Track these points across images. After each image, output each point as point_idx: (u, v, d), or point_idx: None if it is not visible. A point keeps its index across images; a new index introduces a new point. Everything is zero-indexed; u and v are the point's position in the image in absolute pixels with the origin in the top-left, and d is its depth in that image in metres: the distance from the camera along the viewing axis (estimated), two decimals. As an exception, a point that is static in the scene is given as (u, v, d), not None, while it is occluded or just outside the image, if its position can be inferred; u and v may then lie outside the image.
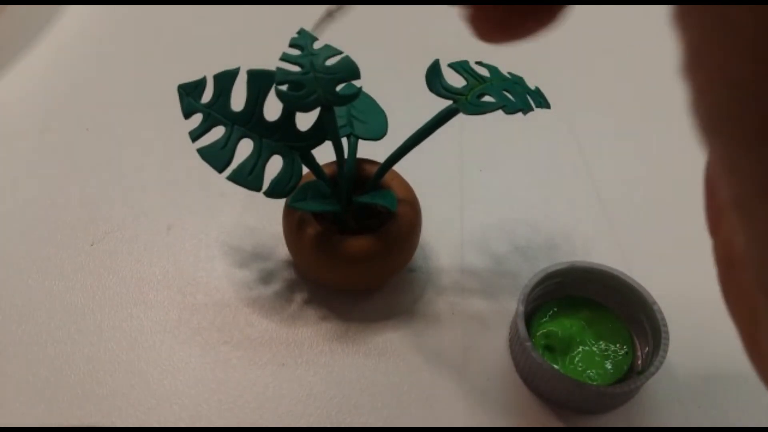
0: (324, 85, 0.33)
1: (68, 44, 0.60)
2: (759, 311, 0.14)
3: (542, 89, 0.37)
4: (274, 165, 0.35)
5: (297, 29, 0.36)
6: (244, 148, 0.35)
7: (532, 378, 0.36)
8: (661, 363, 0.34)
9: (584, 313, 0.38)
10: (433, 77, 0.35)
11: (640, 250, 0.44)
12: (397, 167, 0.38)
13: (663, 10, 0.12)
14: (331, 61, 0.34)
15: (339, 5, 0.21)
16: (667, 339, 0.35)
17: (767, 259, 0.12)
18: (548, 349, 0.37)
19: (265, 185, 0.35)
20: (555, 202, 0.47)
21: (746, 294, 0.15)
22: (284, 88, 0.33)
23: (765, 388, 0.14)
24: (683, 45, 0.11)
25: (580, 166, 0.50)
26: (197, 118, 0.35)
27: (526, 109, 0.35)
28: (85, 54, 0.60)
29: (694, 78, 0.11)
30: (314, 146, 0.36)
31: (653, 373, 0.34)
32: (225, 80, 0.35)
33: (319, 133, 0.35)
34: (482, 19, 0.16)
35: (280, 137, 0.35)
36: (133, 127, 0.52)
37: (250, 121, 0.35)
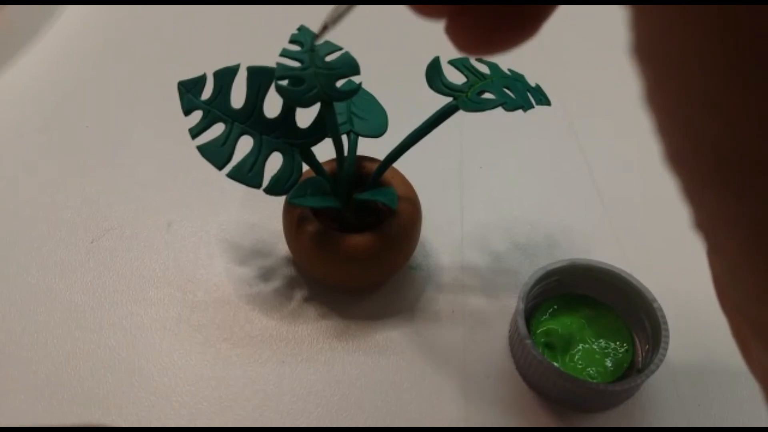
0: (324, 81, 0.33)
1: (68, 42, 0.60)
2: (746, 335, 0.14)
3: (543, 86, 0.37)
4: (274, 162, 0.35)
5: (297, 26, 0.36)
6: (244, 145, 0.35)
7: (532, 376, 0.36)
8: (661, 361, 0.34)
9: (584, 311, 0.38)
10: (434, 74, 0.35)
11: (641, 248, 0.44)
12: (398, 164, 0.38)
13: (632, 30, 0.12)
14: (331, 57, 0.34)
15: (340, 14, 0.21)
16: (667, 337, 0.35)
17: (739, 285, 0.12)
18: (548, 346, 0.37)
19: (265, 182, 0.35)
20: (555, 200, 0.47)
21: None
22: (284, 83, 0.33)
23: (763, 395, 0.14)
24: (642, 79, 0.11)
25: (581, 163, 0.50)
26: (197, 115, 0.35)
27: (526, 106, 0.35)
28: (85, 52, 0.60)
29: (653, 112, 0.11)
30: (314, 143, 0.36)
31: (653, 371, 0.34)
32: (225, 77, 0.35)
33: (319, 129, 0.35)
34: (458, 31, 0.16)
35: (280, 134, 0.35)
36: (132, 124, 0.52)
37: (250, 118, 0.35)
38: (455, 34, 0.16)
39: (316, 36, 0.26)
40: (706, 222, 0.12)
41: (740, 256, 0.11)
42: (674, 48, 0.10)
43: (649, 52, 0.10)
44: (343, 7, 0.21)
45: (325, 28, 0.23)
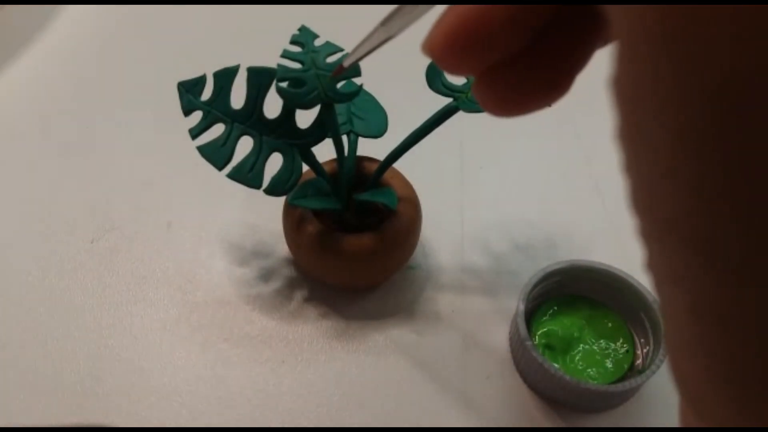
0: (325, 83, 0.33)
1: (68, 43, 0.60)
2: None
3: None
4: (274, 162, 0.35)
5: (297, 26, 0.36)
6: (244, 145, 0.35)
7: (533, 377, 0.36)
8: (662, 362, 0.34)
9: (585, 311, 0.38)
10: (434, 75, 0.35)
11: (641, 249, 0.44)
12: (398, 165, 0.38)
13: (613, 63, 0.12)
14: (332, 59, 0.34)
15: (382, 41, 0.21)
16: (668, 337, 0.35)
17: (675, 333, 0.12)
18: (548, 347, 0.37)
19: (265, 183, 0.35)
20: (556, 201, 0.47)
21: None
22: (285, 84, 0.33)
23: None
24: (615, 114, 0.11)
25: (581, 163, 0.50)
26: (197, 116, 0.35)
27: (526, 106, 0.35)
28: (85, 52, 0.60)
29: (620, 148, 0.11)
30: (314, 144, 0.36)
31: (654, 372, 0.34)
32: (225, 77, 0.35)
33: (319, 130, 0.35)
34: (487, 91, 0.15)
35: (280, 134, 0.35)
36: (132, 124, 0.52)
37: (250, 119, 0.35)
38: (482, 93, 0.15)
39: (342, 66, 0.25)
40: (652, 267, 0.12)
41: (683, 312, 0.11)
42: (651, 94, 0.10)
43: (623, 86, 0.10)
44: (376, 38, 0.20)
45: (358, 59, 0.23)
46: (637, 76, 0.10)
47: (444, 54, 0.14)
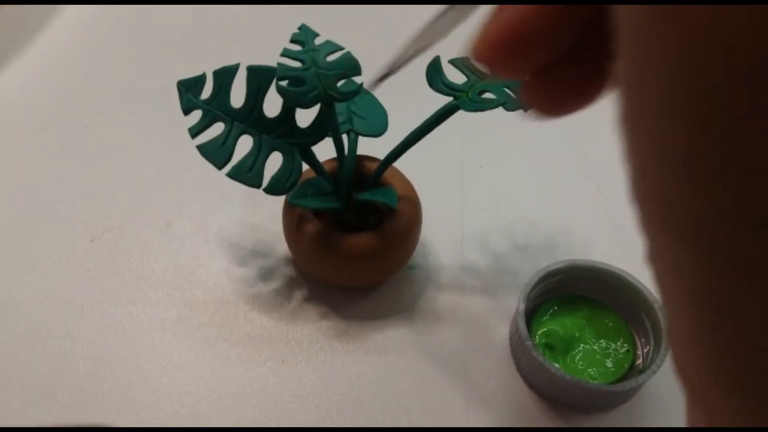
0: (325, 81, 0.33)
1: (68, 42, 0.60)
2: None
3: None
4: (274, 162, 0.35)
5: (297, 25, 0.36)
6: (244, 144, 0.35)
7: (533, 377, 0.36)
8: (662, 361, 0.34)
9: (585, 311, 0.38)
10: (434, 74, 0.35)
11: (641, 248, 0.44)
12: (398, 164, 0.38)
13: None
14: (332, 57, 0.34)
15: (397, 66, 0.21)
16: (668, 337, 0.35)
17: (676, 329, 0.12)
18: (549, 347, 0.37)
19: (265, 182, 0.34)
20: (556, 200, 0.47)
21: None
22: (285, 83, 0.33)
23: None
24: (618, 102, 0.11)
25: (581, 163, 0.50)
26: (197, 115, 0.35)
27: (527, 106, 0.35)
28: (85, 52, 0.59)
29: (624, 137, 0.11)
30: (314, 143, 0.35)
31: (654, 372, 0.34)
32: (224, 76, 0.35)
33: (320, 129, 0.35)
34: (539, 90, 0.15)
35: (280, 134, 0.35)
36: (132, 124, 0.52)
37: (249, 118, 0.35)
38: (530, 95, 0.16)
39: (377, 81, 0.25)
40: (654, 257, 0.11)
41: (683, 306, 0.11)
42: (652, 78, 0.10)
43: (626, 72, 0.10)
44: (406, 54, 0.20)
45: (386, 75, 0.23)
46: (640, 58, 0.10)
47: (493, 58, 0.14)
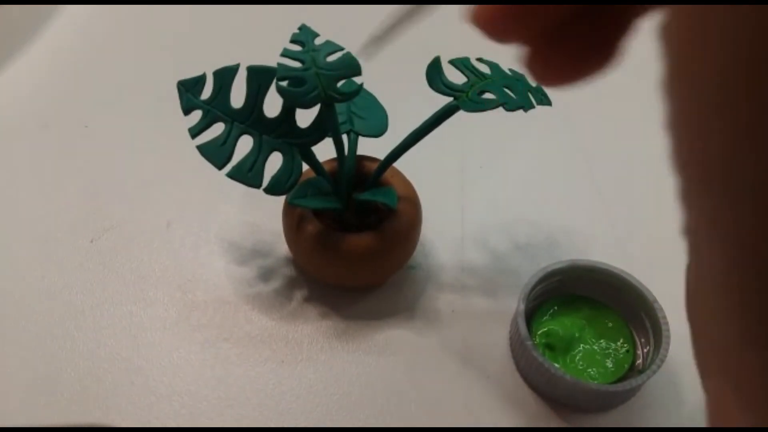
0: (325, 82, 0.33)
1: (68, 42, 0.60)
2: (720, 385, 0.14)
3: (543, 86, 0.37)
4: (274, 162, 0.35)
5: (297, 26, 0.36)
6: (244, 144, 0.35)
7: (533, 377, 0.36)
8: (662, 361, 0.34)
9: (585, 311, 0.38)
10: (434, 74, 0.35)
11: (641, 248, 0.44)
12: (398, 164, 0.38)
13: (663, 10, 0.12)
14: (332, 58, 0.34)
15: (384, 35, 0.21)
16: (668, 337, 0.35)
17: (711, 305, 0.12)
18: (549, 347, 0.37)
19: (265, 182, 0.34)
20: (556, 200, 0.47)
21: None
22: (285, 84, 0.33)
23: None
24: (664, 62, 0.11)
25: (582, 163, 0.50)
26: (197, 115, 0.35)
27: (527, 106, 0.35)
28: (85, 52, 0.59)
29: (667, 100, 0.11)
30: (314, 143, 0.35)
31: (654, 372, 0.34)
32: (225, 76, 0.35)
33: (320, 129, 0.35)
34: (542, 61, 0.15)
35: (280, 134, 0.35)
36: (132, 123, 0.52)
37: (249, 118, 0.35)
38: (536, 63, 0.16)
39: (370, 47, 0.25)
40: (698, 226, 0.11)
41: (721, 275, 0.11)
42: (699, 35, 0.09)
43: (676, 32, 0.10)
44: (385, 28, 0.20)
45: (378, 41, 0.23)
46: (688, 20, 0.10)
47: (491, 22, 0.14)
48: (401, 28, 0.20)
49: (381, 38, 0.22)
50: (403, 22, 0.20)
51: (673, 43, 0.10)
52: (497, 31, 0.15)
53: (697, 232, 0.11)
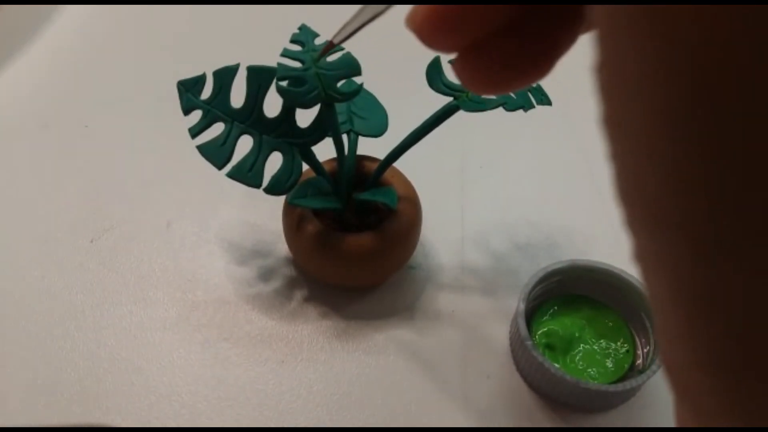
0: (325, 82, 0.33)
1: (68, 42, 0.60)
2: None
3: (543, 86, 0.37)
4: (274, 162, 0.35)
5: (297, 26, 0.36)
6: (244, 144, 0.35)
7: (533, 377, 0.36)
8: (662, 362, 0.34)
9: (585, 311, 0.38)
10: (434, 74, 0.35)
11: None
12: (398, 164, 0.38)
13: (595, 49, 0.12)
14: (332, 57, 0.34)
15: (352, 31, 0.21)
16: (668, 337, 0.35)
17: (666, 335, 0.12)
18: (549, 347, 0.37)
19: (265, 182, 0.34)
20: (556, 200, 0.47)
21: None
22: (285, 83, 0.33)
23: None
24: (601, 103, 0.11)
25: (582, 163, 0.50)
26: (197, 115, 0.35)
27: (527, 106, 0.35)
28: (85, 52, 0.59)
29: (607, 137, 0.11)
30: (314, 143, 0.35)
31: (654, 372, 0.34)
32: (225, 76, 0.35)
33: (320, 129, 0.35)
34: (467, 68, 0.16)
35: (280, 134, 0.35)
36: (132, 123, 0.52)
37: (249, 118, 0.35)
38: (464, 70, 0.16)
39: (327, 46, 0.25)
40: (640, 256, 0.11)
41: (668, 302, 0.11)
42: (632, 78, 0.10)
43: (606, 73, 0.10)
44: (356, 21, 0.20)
45: (332, 44, 0.23)
46: (618, 59, 0.10)
47: (426, 29, 0.14)
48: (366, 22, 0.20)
49: (350, 33, 0.22)
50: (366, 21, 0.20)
51: (604, 82, 0.11)
52: (432, 40, 0.15)
53: (640, 260, 0.11)
